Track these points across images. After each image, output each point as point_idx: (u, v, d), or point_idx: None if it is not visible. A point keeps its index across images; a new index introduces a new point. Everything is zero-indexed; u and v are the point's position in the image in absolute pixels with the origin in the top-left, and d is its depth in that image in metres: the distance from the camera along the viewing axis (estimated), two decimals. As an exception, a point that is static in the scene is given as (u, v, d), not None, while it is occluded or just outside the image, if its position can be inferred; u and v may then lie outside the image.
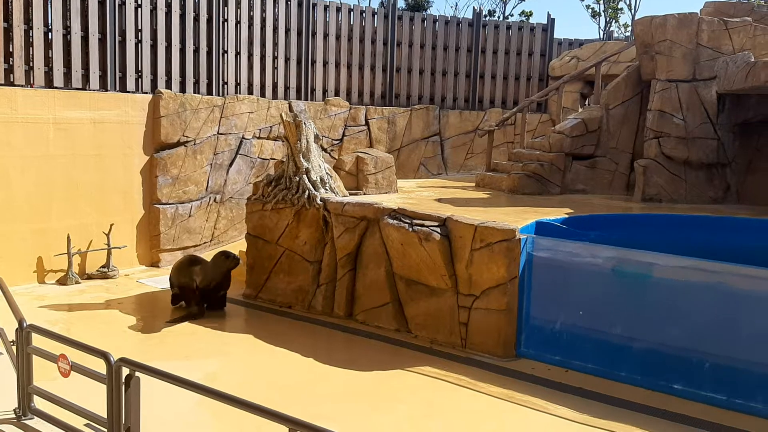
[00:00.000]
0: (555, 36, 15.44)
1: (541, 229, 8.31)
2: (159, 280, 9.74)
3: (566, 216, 9.12)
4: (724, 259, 6.73)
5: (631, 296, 6.98)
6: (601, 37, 23.08)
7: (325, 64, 13.45)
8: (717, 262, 6.70)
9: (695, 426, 5.51)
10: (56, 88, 9.68)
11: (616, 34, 25.12)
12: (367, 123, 13.53)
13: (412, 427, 5.43)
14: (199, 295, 8.17)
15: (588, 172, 11.47)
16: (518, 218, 8.21)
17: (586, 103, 14.23)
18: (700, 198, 10.80)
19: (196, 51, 11.39)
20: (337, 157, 11.83)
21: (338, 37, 13.61)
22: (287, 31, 12.83)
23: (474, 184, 12.30)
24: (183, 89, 11.16)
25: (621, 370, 6.52)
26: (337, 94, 13.57)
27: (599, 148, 11.52)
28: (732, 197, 11.00)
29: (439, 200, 9.92)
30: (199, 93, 11.29)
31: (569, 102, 14.28)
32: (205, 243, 11.14)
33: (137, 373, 4.32)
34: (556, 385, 6.33)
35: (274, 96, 12.64)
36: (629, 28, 26.57)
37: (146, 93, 10.60)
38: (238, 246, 10.81)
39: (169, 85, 10.99)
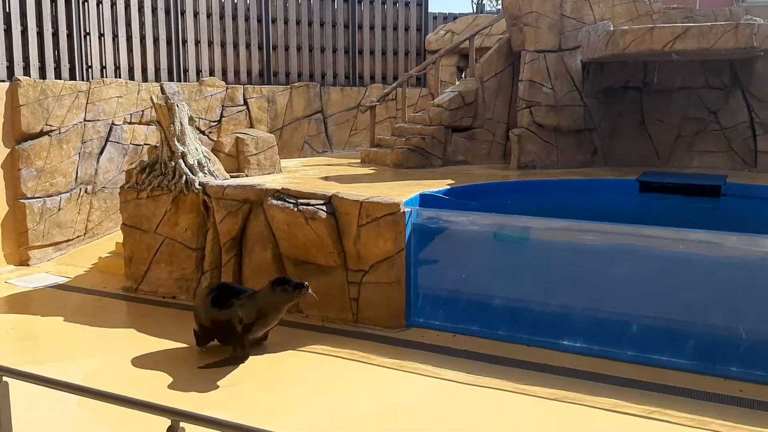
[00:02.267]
0: (429, 10, 15.65)
1: (425, 201, 8.47)
2: (30, 279, 9.13)
3: (448, 187, 9.34)
4: (594, 218, 7.15)
5: (512, 259, 7.29)
6: (474, 10, 23.65)
7: (197, 43, 12.97)
8: (589, 222, 7.11)
9: (575, 377, 5.84)
10: None
11: (488, 8, 25.84)
12: (245, 103, 13.21)
13: (305, 405, 5.42)
14: (243, 334, 6.24)
15: (467, 144, 11.79)
16: (403, 192, 8.32)
17: (462, 76, 14.57)
18: (570, 162, 11.36)
19: (55, 34, 10.64)
20: (215, 139, 11.48)
21: (209, 15, 13.14)
22: (154, 9, 12.24)
23: (359, 161, 12.32)
24: (43, 75, 10.42)
25: (504, 330, 6.81)
26: (211, 74, 13.14)
27: (476, 119, 11.85)
28: (600, 160, 11.66)
29: (326, 178, 9.88)
30: (61, 79, 10.58)
31: (446, 75, 14.57)
32: (78, 237, 10.54)
33: (5, 378, 4.03)
34: (444, 350, 6.51)
35: (144, 78, 12.07)
36: (500, 1, 27.39)
37: (2, 81, 9.81)
38: (114, 238, 10.33)
39: (27, 72, 10.22)
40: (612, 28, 10.26)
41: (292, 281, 6.19)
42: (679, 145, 11.58)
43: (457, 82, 13.05)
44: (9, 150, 9.65)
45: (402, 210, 7.16)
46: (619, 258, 6.75)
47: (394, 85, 13.16)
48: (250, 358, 6.37)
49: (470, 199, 9.04)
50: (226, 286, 6.72)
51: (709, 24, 9.65)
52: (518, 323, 6.82)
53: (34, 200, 9.88)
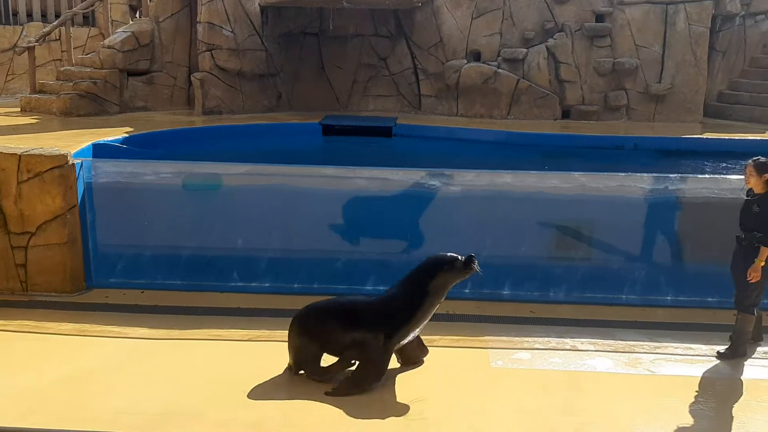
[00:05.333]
0: (93, -60, 14.15)
1: (100, 151, 7.86)
2: None
3: (126, 135, 8.78)
4: (280, 161, 7.31)
5: (197, 208, 7.11)
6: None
7: None
8: (274, 165, 7.24)
9: (266, 316, 5.98)
10: None
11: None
12: None
13: (-35, 391, 4.70)
14: (391, 346, 4.72)
15: (146, 88, 11.11)
16: (72, 142, 7.62)
17: (137, 15, 13.58)
18: (256, 107, 11.41)
19: None
20: None
21: None
22: None
23: (19, 109, 10.87)
24: None
25: (196, 279, 6.66)
26: None
27: (155, 62, 11.19)
28: (285, 104, 11.91)
29: (-23, 131, 8.55)
30: None
31: (118, 14, 13.45)
32: None
33: None
34: (132, 308, 6.16)
35: None
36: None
37: None
38: None
39: None
40: (286, -27, 10.37)
41: (457, 257, 4.68)
42: (356, 90, 12.35)
43: (131, 22, 12.13)
44: None
45: (71, 162, 6.50)
46: (301, 199, 6.98)
47: (55, 23, 11.74)
48: None
49: (152, 148, 8.59)
50: (332, 305, 4.99)
51: (373, -26, 10.31)
52: (208, 271, 6.72)
53: None
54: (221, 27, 10.85)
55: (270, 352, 5.26)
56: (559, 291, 6.44)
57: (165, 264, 6.82)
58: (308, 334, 4.79)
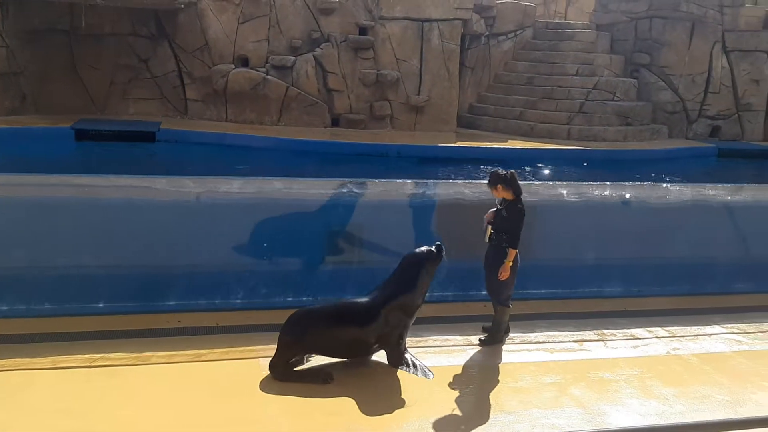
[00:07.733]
0: None
1: None
2: None
3: None
4: (27, 170, 6.57)
5: None
6: None
7: None
8: (17, 174, 6.49)
9: (15, 342, 5.31)
10: None
11: None
12: None
13: None
14: (402, 343, 5.21)
15: None
16: None
17: None
18: (-4, 109, 10.18)
19: None
20: None
21: None
22: None
23: None
24: None
25: None
26: None
27: None
28: (30, 107, 10.79)
29: None
30: None
31: None
32: None
33: None
34: None
35: None
36: None
37: None
38: None
39: None
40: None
41: (431, 248, 5.24)
42: (114, 92, 11.57)
43: None
44: None
45: None
46: (50, 211, 6.32)
47: None
48: None
49: None
50: (354, 304, 5.20)
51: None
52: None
53: None
54: (-53, 17, 9.51)
55: (16, 381, 4.69)
56: (325, 294, 6.52)
57: None
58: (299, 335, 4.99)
